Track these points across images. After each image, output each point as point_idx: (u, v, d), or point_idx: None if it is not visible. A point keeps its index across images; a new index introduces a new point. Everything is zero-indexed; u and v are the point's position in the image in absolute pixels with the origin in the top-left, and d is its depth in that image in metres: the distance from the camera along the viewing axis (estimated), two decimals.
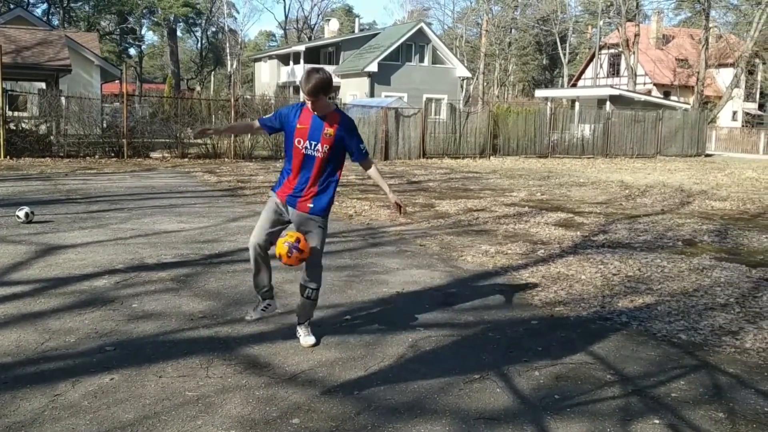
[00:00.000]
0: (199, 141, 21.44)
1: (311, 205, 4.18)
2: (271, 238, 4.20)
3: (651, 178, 17.38)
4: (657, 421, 3.41)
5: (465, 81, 47.36)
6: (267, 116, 4.34)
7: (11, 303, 5.08)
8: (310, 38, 62.64)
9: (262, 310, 4.44)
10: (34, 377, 3.72)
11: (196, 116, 21.62)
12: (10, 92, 19.40)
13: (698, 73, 40.25)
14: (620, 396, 3.71)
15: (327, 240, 7.99)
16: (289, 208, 4.21)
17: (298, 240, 4.05)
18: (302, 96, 4.06)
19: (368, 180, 15.72)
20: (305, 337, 4.40)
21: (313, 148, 4.10)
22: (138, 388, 3.63)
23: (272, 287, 4.43)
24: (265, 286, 4.37)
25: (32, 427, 3.16)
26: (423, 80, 37.75)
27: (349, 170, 17.96)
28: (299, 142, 4.10)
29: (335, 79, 40.01)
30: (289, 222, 4.27)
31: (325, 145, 4.10)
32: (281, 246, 4.03)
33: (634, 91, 37.12)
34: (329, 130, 4.10)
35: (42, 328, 4.54)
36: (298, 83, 27.95)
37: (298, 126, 4.11)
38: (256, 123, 4.41)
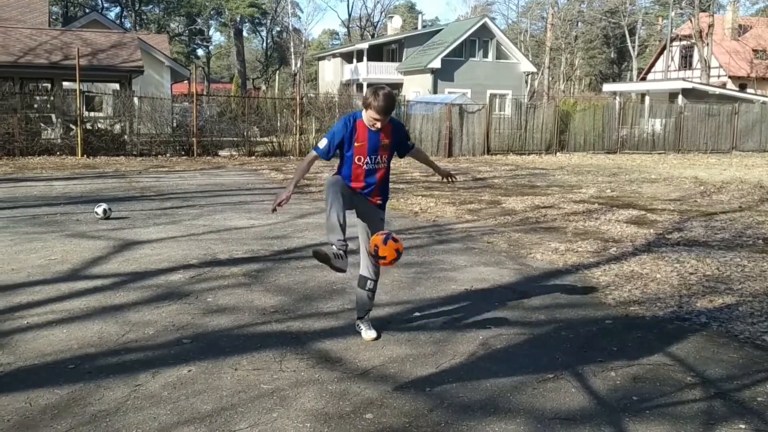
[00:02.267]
0: (265, 139, 21.83)
1: (380, 202, 4.36)
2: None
3: (727, 174, 16.72)
4: (743, 426, 3.27)
5: (530, 76, 46.72)
6: (321, 144, 4.19)
7: (93, 296, 5.27)
8: (373, 36, 62.88)
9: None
10: (116, 368, 3.86)
11: (263, 115, 22.00)
12: (86, 93, 20.19)
13: None
14: (702, 399, 3.58)
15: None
16: (359, 196, 4.25)
17: (376, 248, 3.98)
18: (366, 114, 4.06)
19: (433, 177, 15.65)
20: (367, 331, 4.44)
21: (374, 162, 4.18)
22: (215, 380, 3.71)
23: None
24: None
25: (116, 415, 3.27)
26: (487, 76, 37.36)
27: (414, 167, 17.97)
28: (359, 159, 4.14)
29: (399, 77, 40.12)
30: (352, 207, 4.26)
31: (384, 156, 4.22)
32: (377, 238, 4.01)
33: (707, 84, 35.80)
34: (386, 142, 4.18)
35: (122, 320, 4.70)
36: (361, 80, 28.00)
37: (356, 144, 4.12)
38: (313, 153, 4.21)
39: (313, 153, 4.21)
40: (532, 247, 7.47)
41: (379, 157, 4.18)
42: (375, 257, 4.01)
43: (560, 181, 14.77)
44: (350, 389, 3.62)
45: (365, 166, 4.16)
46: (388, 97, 4.02)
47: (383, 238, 3.98)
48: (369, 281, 4.40)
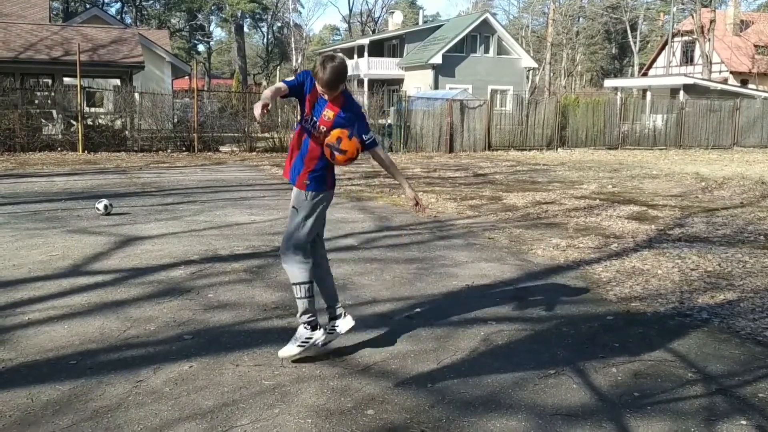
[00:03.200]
0: (266, 135, 21.81)
1: (306, 182, 3.85)
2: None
3: (728, 170, 16.70)
4: (744, 422, 3.27)
5: (531, 72, 46.65)
6: (289, 79, 3.96)
7: (94, 292, 5.28)
8: (374, 31, 62.80)
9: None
10: (118, 363, 3.86)
11: None
12: (87, 89, 20.17)
13: None
14: (704, 395, 3.58)
15: (395, 232, 8.01)
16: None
17: (339, 139, 3.73)
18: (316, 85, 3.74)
19: (434, 173, 15.66)
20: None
21: (312, 125, 3.81)
22: (216, 376, 3.71)
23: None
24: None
25: (118, 410, 3.27)
26: (488, 71, 37.31)
27: (414, 162, 17.97)
28: (306, 115, 3.84)
29: (400, 72, 40.06)
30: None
31: (322, 127, 3.78)
32: (341, 131, 3.75)
33: (709, 80, 35.72)
34: (329, 114, 3.79)
35: (123, 316, 4.70)
36: (362, 76, 28.10)
37: (307, 96, 3.82)
38: (283, 86, 3.88)
39: (283, 84, 3.86)
40: (533, 243, 7.46)
41: (317, 124, 3.78)
42: (332, 149, 3.70)
43: (561, 177, 14.76)
44: (351, 385, 3.63)
45: (305, 124, 3.84)
46: (336, 70, 3.66)
47: (348, 131, 3.73)
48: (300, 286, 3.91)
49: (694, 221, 8.92)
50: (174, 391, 3.51)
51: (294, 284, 3.90)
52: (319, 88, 3.73)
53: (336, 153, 3.72)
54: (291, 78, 4.03)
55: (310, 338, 3.91)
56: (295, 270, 3.89)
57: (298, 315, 3.96)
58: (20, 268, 5.95)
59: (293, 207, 3.90)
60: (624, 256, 6.84)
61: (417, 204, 4.14)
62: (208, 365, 3.86)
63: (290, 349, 3.89)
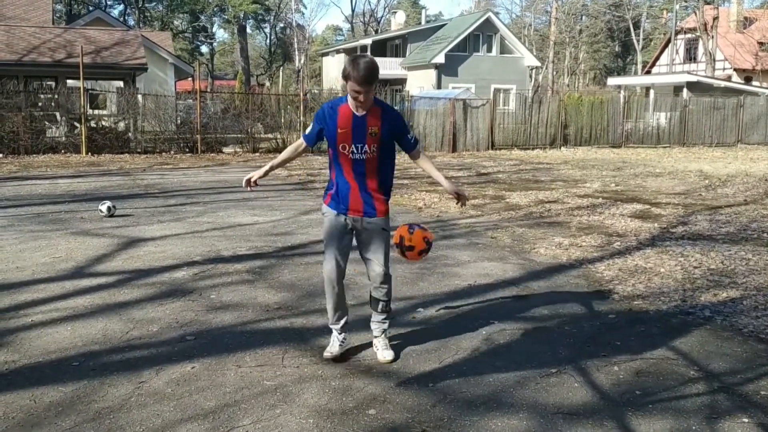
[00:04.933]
0: (269, 135, 21.84)
1: (383, 196, 3.89)
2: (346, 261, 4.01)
3: (732, 168, 16.66)
4: (746, 420, 3.26)
5: (534, 70, 46.57)
6: (308, 131, 3.92)
7: (97, 293, 5.29)
8: (376, 31, 62.80)
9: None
10: (120, 365, 3.87)
11: (266, 111, 22.01)
12: (90, 91, 20.22)
13: None
14: (706, 393, 3.58)
15: None
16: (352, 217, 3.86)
17: (402, 238, 3.83)
18: (348, 88, 3.60)
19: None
20: (383, 351, 4.03)
21: (361, 152, 3.70)
22: (218, 376, 3.72)
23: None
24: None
25: (120, 411, 3.28)
26: (491, 70, 37.29)
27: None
28: (344, 147, 3.71)
29: (402, 72, 40.04)
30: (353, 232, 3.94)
31: (373, 146, 3.70)
32: (402, 228, 3.86)
33: (712, 77, 35.63)
34: (374, 129, 3.69)
35: (126, 317, 4.71)
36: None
37: (339, 130, 3.70)
38: (303, 143, 3.97)
39: (303, 142, 3.97)
40: (536, 242, 7.46)
41: (366, 146, 3.69)
42: (401, 248, 3.78)
43: (564, 176, 14.74)
44: (353, 385, 3.63)
45: (351, 155, 3.71)
46: (370, 65, 3.57)
47: (408, 227, 3.82)
48: (380, 303, 4.01)
49: (697, 219, 8.90)
50: (176, 391, 3.52)
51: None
52: (354, 88, 3.56)
53: (406, 251, 3.82)
54: (308, 130, 3.94)
55: None
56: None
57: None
58: (24, 270, 5.97)
59: (384, 229, 3.89)
60: (627, 254, 6.83)
61: (459, 197, 4.06)
62: (210, 366, 3.87)
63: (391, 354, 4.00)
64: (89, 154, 18.46)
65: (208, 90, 33.38)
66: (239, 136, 21.24)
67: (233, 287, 5.52)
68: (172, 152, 19.78)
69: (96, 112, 20.79)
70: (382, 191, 3.88)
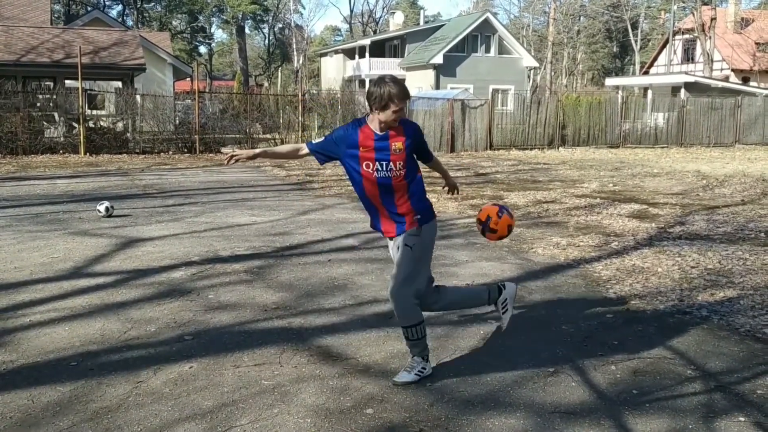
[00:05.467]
0: (267, 136, 21.84)
1: (417, 217, 3.69)
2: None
3: (730, 168, 16.69)
4: (743, 419, 3.27)
5: (532, 71, 46.64)
6: (317, 141, 3.82)
7: (95, 293, 5.30)
8: (375, 32, 62.83)
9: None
10: (118, 364, 3.87)
11: (265, 111, 22.03)
12: (89, 91, 20.22)
13: None
14: (702, 392, 3.59)
15: None
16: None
17: (488, 218, 3.81)
18: (383, 114, 3.54)
19: (434, 173, 15.58)
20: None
21: (386, 169, 3.60)
22: (216, 376, 3.73)
23: None
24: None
25: (118, 411, 3.29)
26: (489, 71, 37.31)
27: None
28: (368, 165, 3.61)
29: (401, 73, 40.05)
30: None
31: (398, 163, 3.61)
32: (491, 208, 3.83)
33: (710, 78, 35.68)
34: (397, 145, 3.60)
35: (124, 317, 4.72)
36: (363, 77, 27.93)
37: (361, 150, 3.61)
38: (304, 148, 3.86)
39: (305, 148, 3.86)
40: (534, 241, 7.47)
41: (391, 164, 3.60)
42: (483, 227, 3.69)
43: (562, 176, 14.76)
44: (351, 385, 3.64)
45: (375, 173, 3.61)
46: (399, 81, 3.60)
47: (498, 209, 3.75)
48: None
49: (694, 219, 8.91)
50: (174, 391, 3.52)
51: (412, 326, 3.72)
52: (396, 108, 3.50)
53: (487, 232, 3.77)
54: (318, 140, 3.82)
55: (425, 369, 3.74)
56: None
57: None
58: (22, 270, 5.97)
59: (406, 245, 3.65)
60: (624, 254, 6.84)
61: (451, 189, 4.23)
62: (208, 366, 3.87)
63: (406, 377, 3.67)
64: (87, 154, 18.46)
65: (207, 90, 33.37)
66: (237, 136, 21.25)
67: (231, 287, 5.53)
68: (171, 152, 19.78)
69: (94, 112, 20.80)
70: (416, 209, 3.69)
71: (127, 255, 6.65)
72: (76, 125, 18.94)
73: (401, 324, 3.70)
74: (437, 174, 4.20)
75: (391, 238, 3.76)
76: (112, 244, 7.15)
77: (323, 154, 3.80)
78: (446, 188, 4.30)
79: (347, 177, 3.79)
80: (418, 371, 3.69)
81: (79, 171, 14.79)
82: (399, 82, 3.58)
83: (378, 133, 3.62)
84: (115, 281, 5.68)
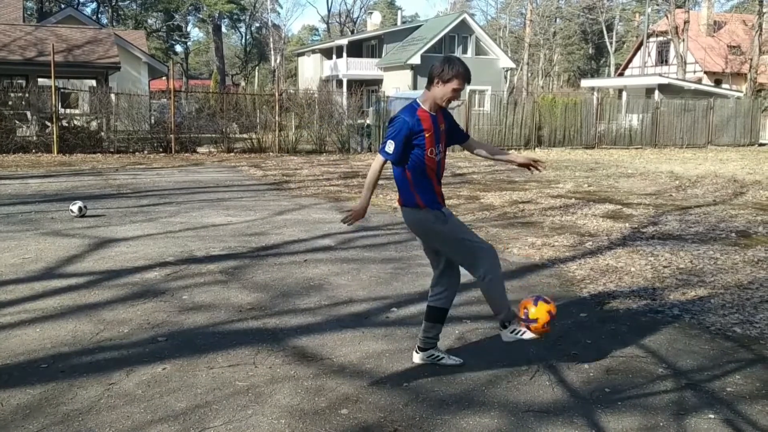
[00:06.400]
0: (244, 135, 21.70)
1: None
2: None
3: (702, 169, 16.93)
4: (712, 416, 3.32)
5: (509, 72, 46.91)
6: (390, 148, 3.64)
7: (67, 294, 5.23)
8: (352, 32, 62.77)
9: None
10: (90, 366, 3.83)
11: (241, 111, 21.90)
12: (62, 90, 19.94)
13: (751, 59, 38.98)
14: (673, 390, 3.63)
15: (373, 233, 8.03)
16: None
17: (539, 296, 3.84)
18: (443, 89, 3.59)
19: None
20: (449, 358, 3.95)
21: (440, 151, 3.74)
22: (190, 377, 3.70)
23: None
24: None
25: (89, 414, 3.24)
26: None
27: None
28: (431, 151, 3.67)
29: (378, 73, 40.06)
30: None
31: (442, 144, 3.77)
32: (526, 301, 3.79)
33: (683, 80, 36.17)
34: (443, 126, 3.76)
35: (97, 318, 4.66)
36: (341, 77, 27.86)
37: (426, 135, 3.63)
38: (380, 158, 3.71)
39: (380, 157, 3.69)
40: (510, 241, 7.51)
41: (442, 145, 3.75)
42: (526, 321, 3.71)
43: (538, 176, 14.85)
44: (326, 385, 3.63)
45: (436, 157, 3.70)
46: (465, 63, 3.68)
47: (533, 300, 3.74)
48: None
49: (667, 219, 9.03)
50: (147, 393, 3.49)
51: None
52: (458, 86, 3.60)
53: (530, 324, 3.71)
54: (389, 146, 3.63)
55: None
56: None
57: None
58: None
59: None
60: (598, 254, 6.91)
61: (533, 163, 4.15)
62: (181, 367, 3.84)
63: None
64: (61, 153, 18.20)
65: (183, 89, 33.11)
66: (214, 135, 21.10)
67: (206, 288, 5.49)
68: (146, 152, 19.58)
69: (68, 111, 20.52)
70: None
71: (100, 255, 6.57)
72: (49, 124, 18.67)
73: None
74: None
75: (442, 207, 3.79)
76: (85, 244, 7.06)
77: (401, 154, 3.67)
78: (521, 166, 4.21)
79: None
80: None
81: (51, 170, 14.59)
82: (466, 66, 3.65)
83: (432, 113, 3.68)
84: (87, 282, 5.61)
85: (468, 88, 4.28)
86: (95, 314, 4.75)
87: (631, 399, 3.51)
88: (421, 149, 3.65)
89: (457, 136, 3.92)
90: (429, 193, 3.73)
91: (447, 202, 3.87)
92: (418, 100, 3.73)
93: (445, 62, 3.61)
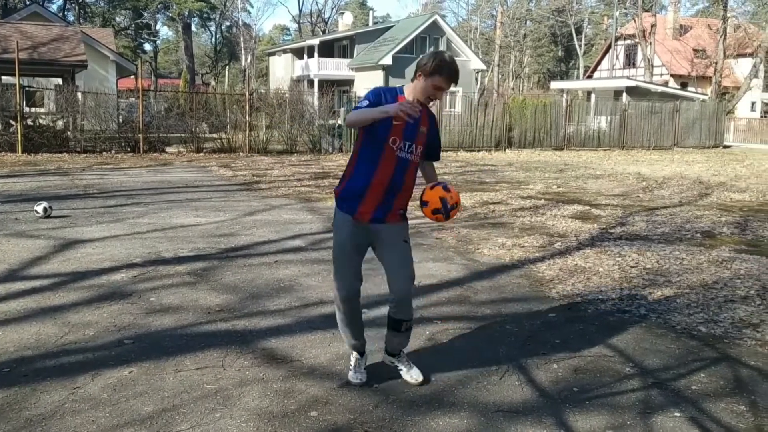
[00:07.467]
0: (214, 135, 21.51)
1: (401, 212, 3.56)
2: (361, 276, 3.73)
3: (668, 170, 17.22)
4: (678, 414, 3.37)
5: (480, 73, 47.17)
6: (361, 103, 3.37)
7: (31, 297, 5.12)
8: (324, 32, 62.61)
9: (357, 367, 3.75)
10: (54, 370, 3.75)
11: (211, 110, 21.70)
12: (27, 88, 19.57)
13: (716, 63, 39.76)
14: (640, 389, 3.68)
15: None
16: (374, 225, 3.52)
17: (443, 182, 3.53)
18: (423, 84, 3.34)
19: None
20: (410, 371, 3.74)
21: (408, 150, 3.41)
22: (157, 381, 3.64)
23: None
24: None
25: (53, 419, 3.18)
26: None
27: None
28: (394, 141, 3.37)
29: (350, 73, 40.01)
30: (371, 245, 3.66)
31: (418, 148, 3.44)
32: (436, 191, 3.47)
33: (650, 82, 36.76)
34: (423, 129, 3.44)
35: (61, 321, 4.57)
36: (312, 77, 27.79)
37: (394, 123, 3.33)
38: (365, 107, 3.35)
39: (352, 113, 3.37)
40: (480, 242, 7.55)
41: (414, 146, 3.41)
42: (445, 210, 3.44)
43: (509, 177, 14.97)
44: (295, 387, 3.61)
45: (399, 152, 3.39)
46: (455, 62, 3.40)
47: (443, 186, 3.46)
48: (404, 323, 3.63)
49: (634, 220, 9.16)
50: (112, 397, 3.43)
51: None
52: (440, 84, 3.33)
53: (422, 207, 3.50)
54: (363, 102, 3.36)
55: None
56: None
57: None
58: None
59: (405, 242, 3.56)
60: (567, 254, 6.98)
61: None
62: (148, 370, 3.78)
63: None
64: (25, 153, 17.84)
65: (152, 88, 32.71)
66: (183, 135, 20.85)
67: (174, 289, 5.42)
68: (113, 152, 19.29)
69: (33, 109, 20.15)
70: (405, 203, 3.55)
71: (65, 257, 6.45)
72: (13, 123, 18.28)
73: (411, 318, 3.63)
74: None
75: (358, 222, 3.52)
76: (50, 245, 6.93)
77: (373, 106, 3.33)
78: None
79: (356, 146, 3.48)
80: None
81: (16, 170, 14.29)
82: (455, 65, 3.38)
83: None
84: (52, 284, 5.50)
85: None
86: (60, 317, 4.66)
87: (599, 398, 3.55)
88: (386, 131, 3.34)
89: (431, 152, 3.59)
90: (356, 189, 3.46)
91: (415, 203, 3.63)
92: (402, 87, 3.49)
93: (432, 56, 3.36)
